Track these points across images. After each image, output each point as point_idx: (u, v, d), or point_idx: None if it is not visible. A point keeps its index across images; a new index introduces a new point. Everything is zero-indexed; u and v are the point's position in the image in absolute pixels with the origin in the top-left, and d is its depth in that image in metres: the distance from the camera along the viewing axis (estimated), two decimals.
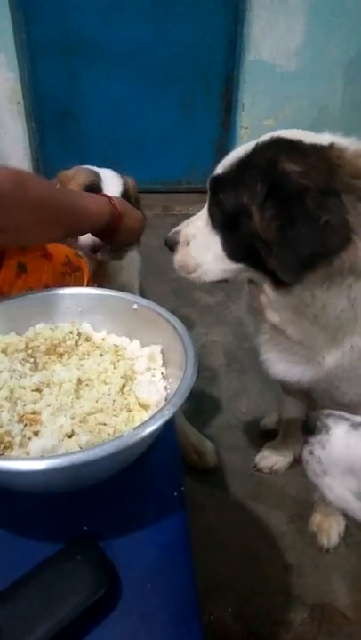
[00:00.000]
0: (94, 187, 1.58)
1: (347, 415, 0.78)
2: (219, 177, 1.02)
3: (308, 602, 1.35)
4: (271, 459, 1.66)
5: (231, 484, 1.65)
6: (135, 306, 1.00)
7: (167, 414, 0.73)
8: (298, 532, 1.50)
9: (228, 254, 1.04)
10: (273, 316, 1.06)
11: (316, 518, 1.49)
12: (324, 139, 0.95)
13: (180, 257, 1.12)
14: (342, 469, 0.74)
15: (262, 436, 1.79)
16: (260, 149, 0.96)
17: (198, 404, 1.95)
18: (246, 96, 2.99)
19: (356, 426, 0.75)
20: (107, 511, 0.78)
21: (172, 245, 1.13)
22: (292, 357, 1.11)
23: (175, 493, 0.82)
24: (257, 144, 0.96)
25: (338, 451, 0.74)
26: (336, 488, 0.75)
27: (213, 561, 1.41)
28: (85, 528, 0.75)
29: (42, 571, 0.66)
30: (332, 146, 0.92)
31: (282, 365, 1.13)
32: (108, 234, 1.15)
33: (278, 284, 0.99)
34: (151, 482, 0.83)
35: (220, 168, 1.03)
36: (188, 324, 2.44)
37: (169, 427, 0.89)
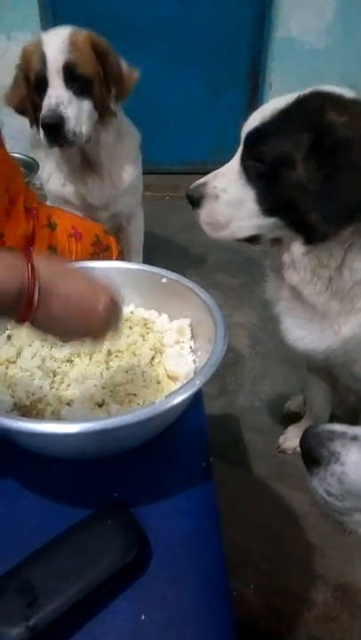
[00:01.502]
0: (42, 73, 1.49)
1: (351, 430, 0.67)
2: (258, 129, 0.96)
3: (331, 582, 1.35)
4: (295, 440, 1.65)
5: (254, 463, 1.65)
6: (164, 280, 1.00)
7: (198, 384, 0.73)
8: (321, 513, 1.49)
9: (264, 208, 0.99)
10: (292, 276, 1.05)
11: None
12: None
13: (207, 212, 1.04)
14: None
15: (286, 419, 1.78)
16: (303, 101, 0.92)
17: (222, 384, 1.95)
18: (274, 75, 2.93)
19: None
20: (137, 479, 0.79)
21: (197, 199, 1.04)
22: (308, 325, 1.10)
23: (203, 464, 0.82)
24: (298, 96, 0.93)
25: (359, 481, 0.63)
26: None
27: (235, 537, 1.42)
28: (115, 495, 0.76)
29: (74, 533, 0.68)
30: None
31: (298, 332, 1.12)
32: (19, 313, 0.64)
33: (307, 241, 0.98)
34: (180, 452, 0.84)
35: (257, 120, 0.97)
36: None
37: (198, 398, 0.90)
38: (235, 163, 1.02)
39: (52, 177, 1.79)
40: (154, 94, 3.04)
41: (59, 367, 0.88)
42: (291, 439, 1.66)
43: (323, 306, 1.05)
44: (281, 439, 1.67)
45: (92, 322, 0.69)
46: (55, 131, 1.48)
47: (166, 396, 0.70)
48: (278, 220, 1.00)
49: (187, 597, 0.66)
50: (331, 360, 1.17)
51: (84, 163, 1.72)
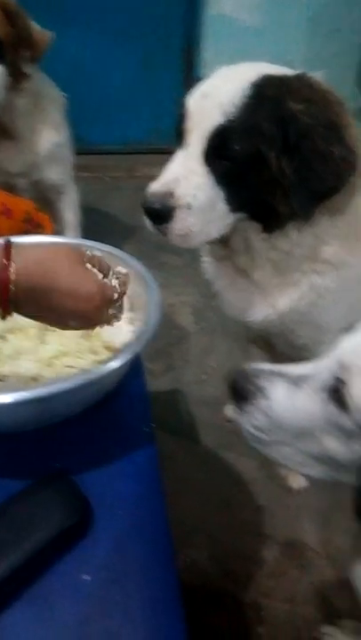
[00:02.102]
0: None
1: (276, 368, 0.68)
2: (225, 126, 0.90)
3: (280, 540, 1.41)
4: None
5: (202, 435, 1.69)
6: (97, 252, 0.98)
7: (133, 350, 0.74)
8: (268, 477, 1.55)
9: (233, 207, 0.96)
10: (243, 261, 1.08)
11: None
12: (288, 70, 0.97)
13: (180, 225, 0.94)
14: (295, 434, 0.65)
15: None
16: (259, 89, 0.90)
17: (168, 361, 1.97)
18: (208, 52, 2.93)
19: (295, 382, 0.66)
20: (78, 448, 0.79)
21: (166, 213, 0.93)
22: (248, 298, 1.14)
23: (145, 429, 0.83)
24: (254, 86, 0.90)
25: (286, 415, 0.65)
26: (294, 455, 0.67)
27: (187, 508, 1.45)
28: (57, 465, 0.76)
29: (15, 502, 0.67)
30: (307, 74, 0.95)
31: (239, 305, 1.16)
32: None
33: (266, 229, 1.00)
34: (121, 419, 0.85)
35: (220, 117, 0.90)
36: (158, 284, 2.45)
37: (138, 365, 0.91)
38: (195, 163, 0.93)
39: None
40: (87, 74, 2.98)
41: None
42: None
43: (265, 282, 1.09)
44: (226, 409, 1.71)
45: (80, 319, 0.70)
46: None
47: (100, 362, 0.71)
48: (245, 213, 0.98)
49: (130, 557, 0.67)
50: (269, 329, 1.22)
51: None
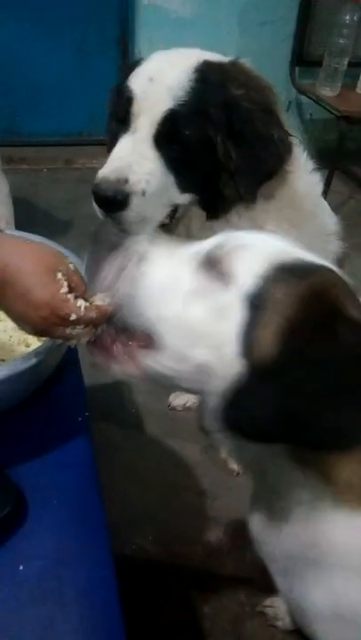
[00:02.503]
0: None
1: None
2: (175, 111, 0.90)
3: (223, 521, 1.45)
4: (184, 397, 1.72)
5: (147, 423, 1.70)
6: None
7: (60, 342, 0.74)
8: (211, 460, 1.59)
9: (182, 190, 0.96)
10: None
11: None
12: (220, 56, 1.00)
13: (136, 212, 0.92)
14: (160, 297, 0.61)
15: None
16: (202, 73, 0.91)
17: None
18: (142, 41, 2.91)
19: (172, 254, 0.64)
20: (12, 440, 0.79)
21: (121, 200, 0.90)
22: None
23: (80, 418, 0.84)
24: (198, 71, 0.91)
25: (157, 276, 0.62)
26: (149, 319, 0.61)
27: (133, 495, 1.46)
28: None
29: None
30: (239, 60, 0.99)
31: None
32: None
33: (211, 215, 1.02)
34: (57, 410, 0.85)
35: (170, 101, 0.90)
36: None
37: (71, 356, 0.91)
38: (146, 148, 0.92)
39: None
40: (20, 62, 2.89)
41: None
42: (180, 396, 1.73)
43: None
44: (171, 397, 1.74)
45: (29, 322, 0.66)
46: None
47: (27, 354, 0.71)
48: (192, 197, 0.98)
49: (65, 545, 0.68)
50: None
51: None
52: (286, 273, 0.57)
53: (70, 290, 0.65)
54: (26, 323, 0.66)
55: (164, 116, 0.91)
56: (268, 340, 0.55)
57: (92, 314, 0.65)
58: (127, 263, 0.62)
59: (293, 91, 3.07)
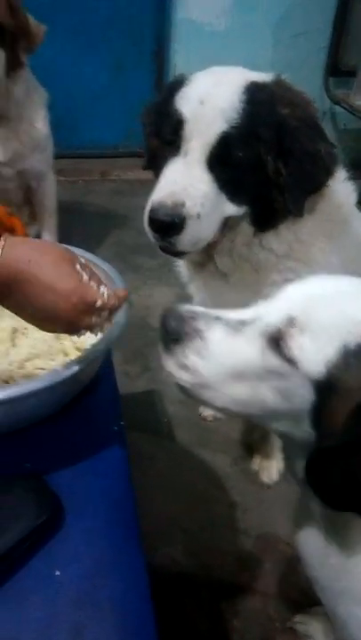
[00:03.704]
0: None
1: (214, 312, 0.66)
2: (229, 134, 0.91)
3: (253, 533, 1.44)
4: None
5: (178, 433, 1.71)
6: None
7: (99, 350, 0.76)
8: (242, 472, 1.59)
9: (236, 205, 0.98)
10: (224, 263, 1.11)
11: (258, 458, 1.58)
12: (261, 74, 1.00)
13: (191, 235, 0.93)
14: (228, 378, 0.62)
15: None
16: (254, 96, 0.92)
17: (145, 363, 1.99)
18: (178, 56, 2.96)
19: (233, 326, 0.64)
20: (50, 449, 0.81)
21: (178, 225, 0.91)
22: (223, 299, 1.17)
23: (115, 428, 0.85)
24: (247, 91, 0.92)
25: (221, 359, 0.62)
26: (219, 397, 0.64)
27: (163, 505, 1.47)
28: (28, 465, 0.78)
29: None
30: (282, 79, 1.00)
31: (211, 306, 1.19)
32: None
33: (260, 228, 1.03)
34: (92, 419, 0.87)
35: (223, 124, 0.90)
36: (133, 287, 2.47)
37: (108, 366, 0.93)
38: (199, 171, 0.93)
39: None
40: (59, 77, 2.97)
41: None
42: None
43: (241, 283, 1.12)
44: (201, 408, 1.74)
45: (57, 320, 0.68)
46: None
47: (68, 363, 0.73)
48: (244, 209, 0.99)
49: (100, 551, 0.69)
50: None
51: None
52: (353, 357, 0.56)
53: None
54: (56, 315, 0.67)
55: (218, 138, 0.91)
56: (340, 421, 0.55)
57: (114, 300, 0.69)
58: (194, 343, 0.63)
59: (327, 101, 3.06)
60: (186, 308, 0.67)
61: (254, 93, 0.92)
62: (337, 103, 3.00)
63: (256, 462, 1.58)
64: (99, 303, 0.68)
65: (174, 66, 2.99)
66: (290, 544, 1.41)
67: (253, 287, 1.12)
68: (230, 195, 0.96)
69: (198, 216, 0.92)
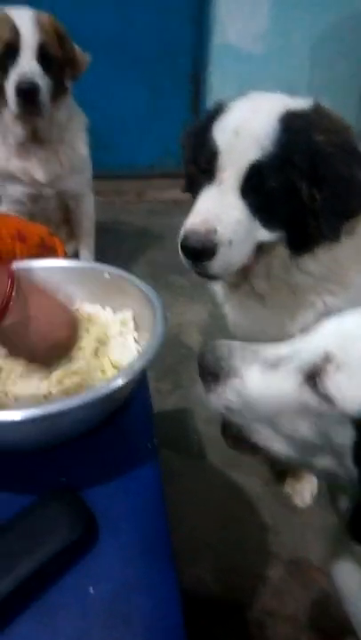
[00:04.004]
0: (14, 45, 1.64)
1: (251, 347, 0.66)
2: (262, 163, 0.92)
3: (285, 558, 1.42)
4: None
5: (209, 453, 1.70)
6: (107, 275, 1.03)
7: (137, 367, 0.77)
8: (273, 494, 1.57)
9: (269, 229, 0.99)
10: (261, 285, 1.11)
11: (291, 481, 1.56)
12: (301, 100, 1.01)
13: (223, 261, 0.95)
14: (267, 414, 0.63)
15: None
16: (286, 123, 0.93)
17: (176, 380, 2.00)
18: (214, 79, 3.02)
19: (270, 364, 0.64)
20: (84, 464, 0.82)
21: (209, 251, 0.93)
22: (259, 321, 1.18)
23: (148, 445, 0.86)
24: (282, 120, 0.93)
25: (259, 397, 0.62)
26: (261, 435, 0.65)
27: (193, 525, 1.46)
28: (63, 480, 0.79)
29: (22, 517, 0.70)
30: (321, 105, 1.00)
31: (246, 326, 1.20)
32: None
33: (296, 252, 1.03)
34: (126, 436, 0.88)
35: (256, 153, 0.92)
36: (165, 305, 2.49)
37: (142, 384, 0.94)
38: (233, 198, 0.94)
39: None
40: (98, 101, 3.06)
41: (4, 363, 0.91)
42: None
43: (279, 305, 1.13)
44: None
45: (57, 344, 0.79)
46: (30, 99, 1.62)
47: (108, 380, 0.74)
48: (279, 235, 1.00)
49: (133, 569, 0.70)
50: None
51: (33, 138, 1.81)
52: None
53: None
54: (53, 346, 0.78)
55: (250, 168, 0.93)
56: None
57: None
58: (233, 382, 0.64)
59: None
60: (223, 343, 0.67)
61: (290, 122, 0.93)
62: None
63: (289, 484, 1.56)
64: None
65: (211, 89, 3.05)
66: (322, 570, 1.38)
67: (290, 309, 1.13)
68: (264, 221, 0.97)
69: (230, 242, 0.93)
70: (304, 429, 0.61)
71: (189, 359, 2.10)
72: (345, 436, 0.58)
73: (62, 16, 2.85)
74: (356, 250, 1.06)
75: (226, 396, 0.64)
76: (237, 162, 0.93)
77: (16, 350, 0.79)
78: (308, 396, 0.59)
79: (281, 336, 1.15)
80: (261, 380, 0.63)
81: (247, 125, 0.93)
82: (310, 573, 1.39)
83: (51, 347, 0.77)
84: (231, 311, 1.25)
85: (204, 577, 1.37)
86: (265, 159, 0.92)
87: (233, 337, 1.31)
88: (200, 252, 0.93)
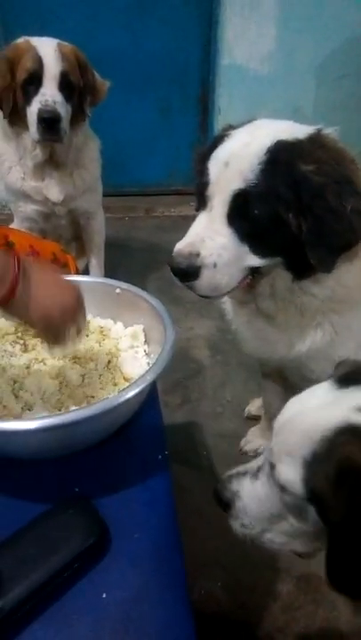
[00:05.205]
0: (37, 73, 1.68)
1: (243, 468, 0.77)
2: (245, 191, 0.95)
3: (295, 573, 1.41)
4: (256, 442, 1.72)
5: (218, 467, 1.70)
6: (118, 290, 1.07)
7: (148, 379, 0.79)
8: None
9: (260, 257, 1.01)
10: (268, 305, 1.13)
11: None
12: (304, 129, 1.02)
13: (208, 282, 0.99)
14: (268, 519, 0.73)
15: (247, 423, 1.85)
16: (273, 154, 0.95)
17: (185, 394, 2.01)
18: (222, 99, 3.08)
19: (254, 474, 0.75)
20: (97, 474, 0.84)
21: (193, 272, 0.98)
22: (267, 338, 1.19)
23: (159, 457, 0.88)
24: (268, 149, 0.95)
25: (256, 508, 0.73)
26: (277, 538, 0.75)
27: (202, 539, 1.46)
28: (77, 489, 0.81)
29: (37, 523, 0.72)
30: (321, 133, 1.00)
31: (255, 343, 1.21)
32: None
33: (297, 276, 1.04)
34: (137, 447, 0.90)
35: (240, 183, 0.96)
36: (174, 319, 2.50)
37: (153, 396, 0.96)
38: (219, 224, 0.99)
39: (12, 170, 1.90)
40: (109, 121, 3.14)
41: (18, 374, 0.93)
42: (252, 441, 1.72)
43: (286, 324, 1.14)
44: (243, 442, 1.74)
45: (67, 305, 0.83)
46: (51, 126, 1.67)
47: (119, 391, 0.76)
48: (273, 260, 1.03)
49: (145, 577, 0.71)
50: (285, 365, 1.26)
51: (50, 161, 1.86)
52: (316, 465, 0.62)
53: None
54: (64, 307, 0.82)
55: (234, 196, 0.96)
56: (338, 519, 0.60)
57: None
58: (238, 504, 0.75)
59: None
60: (227, 474, 0.78)
61: (277, 153, 0.95)
62: None
63: None
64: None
65: (218, 109, 3.11)
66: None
67: (298, 328, 1.14)
68: (254, 247, 1.00)
69: (215, 265, 0.98)
70: (294, 523, 0.69)
71: (198, 373, 2.12)
72: (314, 516, 0.65)
73: (74, 39, 2.95)
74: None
75: (239, 517, 0.75)
76: (224, 191, 0.97)
77: (31, 321, 0.84)
78: (277, 491, 0.69)
79: (290, 354, 1.17)
80: (252, 492, 0.73)
81: (236, 157, 0.97)
82: (320, 589, 1.38)
83: (61, 312, 0.82)
84: (240, 328, 1.26)
85: (214, 592, 1.36)
86: (249, 189, 0.95)
87: (242, 353, 1.33)
88: (185, 272, 0.98)
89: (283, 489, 0.67)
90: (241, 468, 0.77)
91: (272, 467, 0.69)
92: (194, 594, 1.36)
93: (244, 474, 0.75)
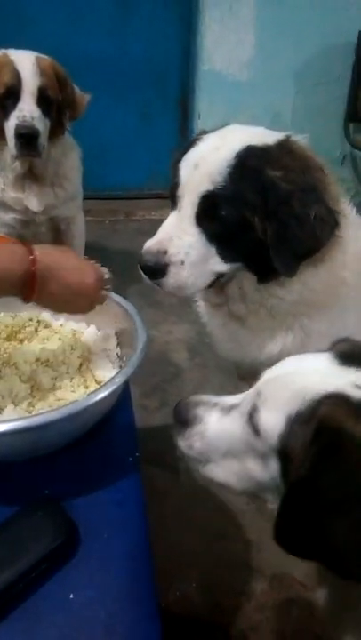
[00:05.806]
0: (15, 88, 1.66)
1: (213, 399, 0.79)
2: (213, 193, 0.98)
3: (268, 573, 1.43)
4: None
5: (194, 470, 1.71)
6: None
7: (118, 382, 0.80)
8: (257, 510, 1.58)
9: (226, 260, 1.04)
10: (238, 308, 1.15)
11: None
12: (274, 135, 1.04)
13: (174, 279, 1.02)
14: (222, 453, 0.75)
15: None
16: (242, 159, 0.97)
17: (163, 397, 2.02)
18: (202, 104, 3.11)
19: (225, 410, 0.76)
20: (68, 476, 0.85)
21: (161, 269, 1.01)
22: (239, 341, 1.21)
23: (130, 459, 0.89)
24: (237, 154, 0.97)
25: (216, 438, 0.75)
26: (220, 472, 0.77)
27: (177, 541, 1.47)
28: (47, 492, 0.82)
29: (5, 526, 0.73)
30: (290, 140, 1.03)
31: (228, 345, 1.23)
32: (24, 294, 0.85)
33: (262, 280, 1.06)
34: (109, 449, 0.91)
35: (208, 185, 0.98)
36: (154, 322, 2.53)
37: (124, 398, 0.97)
38: (188, 224, 1.01)
39: None
40: (90, 125, 3.14)
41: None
42: None
43: (257, 327, 1.16)
44: None
45: (85, 293, 0.91)
46: (29, 142, 1.66)
47: (88, 394, 0.77)
48: (240, 263, 1.05)
49: (113, 577, 0.72)
50: (257, 367, 1.28)
51: (29, 173, 1.86)
52: (297, 425, 0.64)
53: None
54: (83, 290, 0.90)
55: (202, 197, 0.99)
56: (299, 477, 0.62)
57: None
58: (197, 427, 0.77)
59: (348, 145, 3.15)
60: (194, 398, 0.80)
61: (245, 158, 0.97)
62: (357, 148, 3.09)
63: (273, 501, 1.58)
64: (107, 275, 0.97)
65: (198, 114, 3.14)
66: (305, 585, 1.40)
67: (269, 330, 1.15)
68: (221, 249, 1.02)
69: (182, 263, 1.01)
70: (252, 466, 0.71)
71: (176, 377, 2.13)
72: (273, 467, 0.67)
73: (54, 43, 2.94)
74: (331, 276, 1.08)
75: (192, 438, 0.76)
76: (193, 192, 1.00)
77: (58, 309, 0.95)
78: (248, 433, 0.69)
79: (262, 356, 1.19)
80: (218, 423, 0.75)
81: (205, 160, 0.99)
82: (294, 587, 1.40)
83: (83, 297, 0.91)
84: (214, 331, 1.28)
85: (188, 593, 1.38)
86: (216, 190, 0.97)
87: (218, 356, 1.34)
88: (153, 269, 1.01)
89: (257, 433, 0.68)
90: (212, 399, 0.78)
91: (254, 409, 0.69)
92: (169, 595, 1.37)
93: (214, 405, 0.77)
